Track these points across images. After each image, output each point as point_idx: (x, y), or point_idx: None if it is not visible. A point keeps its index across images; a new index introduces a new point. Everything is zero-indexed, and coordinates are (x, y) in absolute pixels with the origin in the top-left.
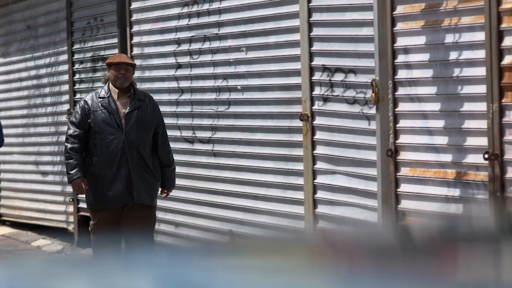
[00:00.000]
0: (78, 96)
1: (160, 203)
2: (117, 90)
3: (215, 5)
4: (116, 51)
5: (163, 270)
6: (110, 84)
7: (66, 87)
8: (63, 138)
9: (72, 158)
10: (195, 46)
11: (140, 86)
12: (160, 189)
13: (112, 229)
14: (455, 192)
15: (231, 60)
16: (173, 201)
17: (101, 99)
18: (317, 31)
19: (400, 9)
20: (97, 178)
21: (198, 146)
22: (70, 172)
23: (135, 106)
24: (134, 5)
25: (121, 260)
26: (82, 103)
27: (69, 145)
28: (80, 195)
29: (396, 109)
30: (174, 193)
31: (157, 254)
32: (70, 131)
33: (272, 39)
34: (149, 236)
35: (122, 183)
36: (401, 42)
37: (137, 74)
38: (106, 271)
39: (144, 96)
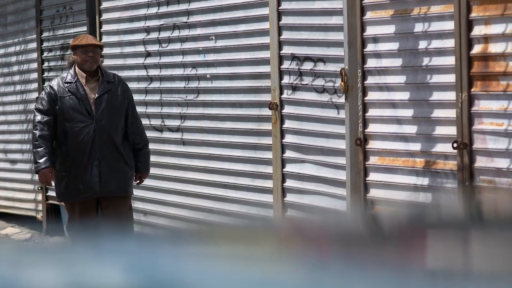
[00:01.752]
0: (47, 84)
1: None
2: (85, 74)
3: None
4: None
5: (131, 258)
6: (77, 67)
7: (35, 75)
8: (32, 126)
9: (41, 147)
10: (164, 34)
11: None
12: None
13: (89, 224)
14: (424, 181)
15: (200, 49)
16: (142, 190)
17: (68, 84)
18: (286, 20)
19: None
20: (67, 169)
21: (167, 135)
22: (38, 161)
23: (104, 90)
24: None
25: (89, 248)
26: (48, 89)
27: (37, 132)
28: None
29: (365, 98)
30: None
31: (126, 242)
32: (38, 118)
33: (241, 27)
34: (127, 227)
35: (93, 174)
36: (370, 31)
37: (106, 62)
38: (74, 259)
39: (113, 78)
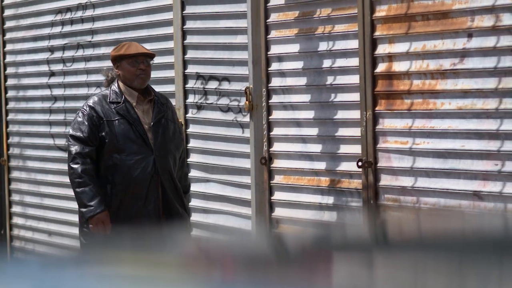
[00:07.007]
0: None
1: (32, 211)
2: (136, 93)
3: (89, 13)
4: None
5: (35, 280)
6: (120, 84)
7: None
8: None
9: (88, 184)
10: (69, 53)
11: (13, 94)
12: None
13: None
14: (329, 199)
15: (105, 68)
16: (46, 210)
17: (115, 105)
18: (191, 39)
19: (273, 17)
20: (115, 214)
21: None
22: (89, 204)
23: (160, 114)
24: (7, 12)
25: None
26: (88, 110)
27: (79, 167)
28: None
29: (270, 117)
30: (47, 201)
31: (29, 264)
32: (76, 148)
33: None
34: None
35: (150, 222)
36: (275, 50)
37: (10, 82)
38: None
39: (165, 100)
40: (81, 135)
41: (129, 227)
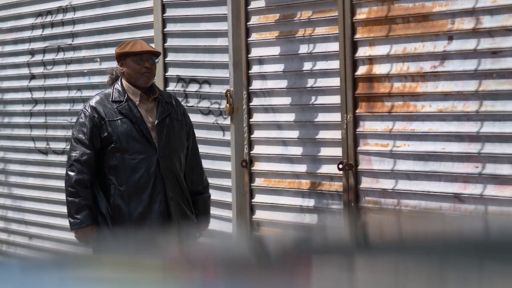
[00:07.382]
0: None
1: (13, 214)
2: (139, 91)
3: (69, 16)
4: None
5: (16, 284)
6: (124, 82)
7: None
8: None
9: (79, 196)
10: (49, 56)
11: None
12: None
13: None
14: (310, 202)
15: (85, 71)
16: (27, 213)
17: (117, 104)
18: (171, 42)
19: (254, 20)
20: (119, 216)
21: (52, 157)
22: (77, 216)
23: (164, 113)
24: None
25: None
26: (89, 111)
27: (74, 176)
28: None
29: (250, 120)
30: (27, 204)
31: (10, 267)
32: (76, 154)
33: None
34: None
35: (155, 223)
36: (255, 52)
37: None
38: None
39: (170, 98)
40: (83, 137)
41: (134, 228)
